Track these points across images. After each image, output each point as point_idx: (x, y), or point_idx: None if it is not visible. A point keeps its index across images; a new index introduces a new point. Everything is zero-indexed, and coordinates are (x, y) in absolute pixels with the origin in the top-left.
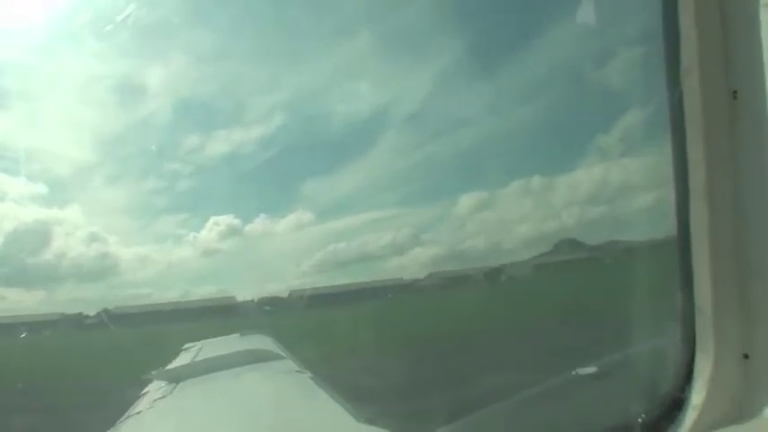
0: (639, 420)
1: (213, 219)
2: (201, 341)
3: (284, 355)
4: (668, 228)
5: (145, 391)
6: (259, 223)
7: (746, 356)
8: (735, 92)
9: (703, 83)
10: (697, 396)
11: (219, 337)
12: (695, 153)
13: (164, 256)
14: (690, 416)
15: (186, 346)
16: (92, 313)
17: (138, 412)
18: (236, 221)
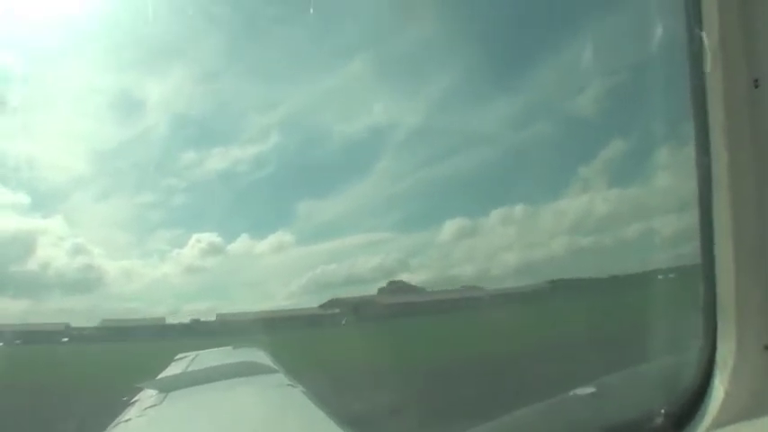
0: (662, 411)
1: (206, 235)
2: (194, 352)
3: (276, 368)
4: None
5: (135, 398)
6: (249, 242)
7: None
8: (756, 80)
9: (725, 72)
10: (719, 388)
11: (212, 349)
12: (717, 143)
13: (152, 271)
14: (712, 407)
15: (178, 356)
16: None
17: (128, 420)
18: (226, 239)
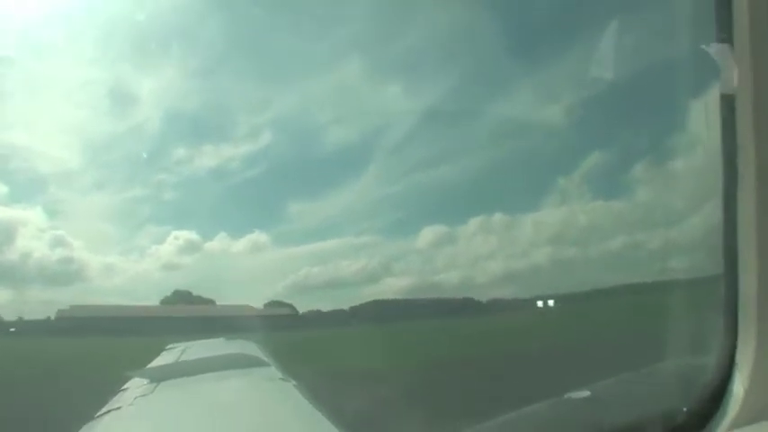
0: (684, 410)
1: (184, 233)
2: (185, 343)
3: (268, 362)
4: None
5: (125, 387)
6: (227, 241)
7: None
8: None
9: (755, 82)
10: (739, 386)
11: (203, 341)
12: (745, 143)
13: (140, 266)
14: (733, 406)
15: (169, 346)
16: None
17: (118, 408)
18: (209, 237)
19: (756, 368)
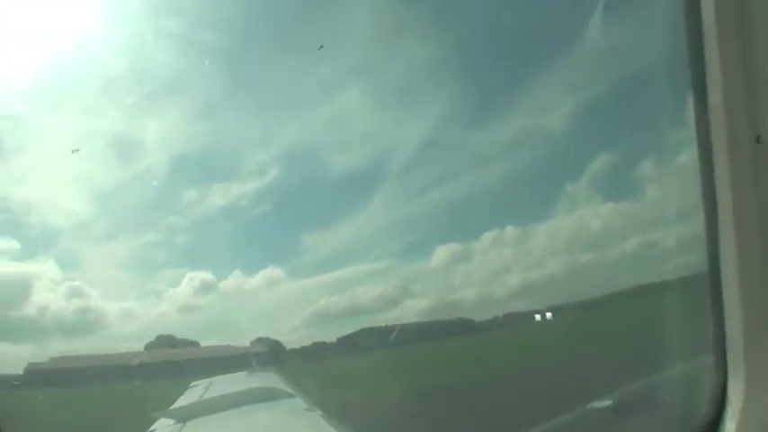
0: None
1: (199, 274)
2: (209, 379)
3: (293, 393)
4: None
5: (152, 428)
6: (245, 278)
7: None
8: (758, 136)
9: (728, 129)
10: (730, 423)
11: (227, 375)
12: (722, 193)
13: (156, 310)
14: None
15: (194, 383)
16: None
17: None
18: (228, 275)
19: (746, 405)
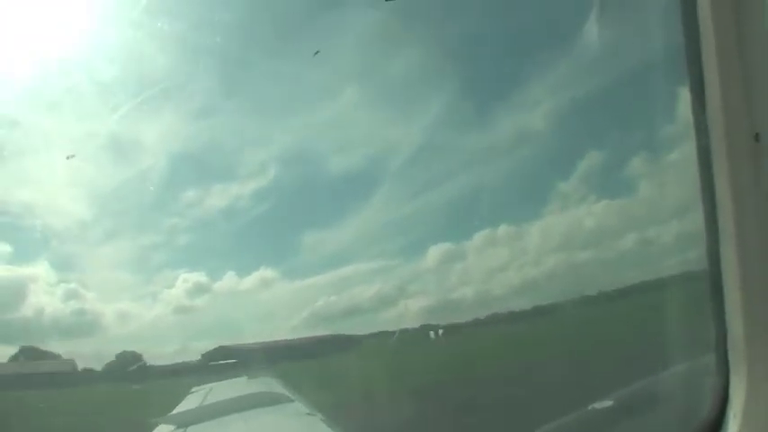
0: None
1: (194, 275)
2: (209, 384)
3: (293, 397)
4: None
5: None
6: (255, 277)
7: None
8: (757, 135)
9: (727, 127)
10: (733, 423)
11: (227, 381)
12: (722, 192)
13: (148, 312)
14: None
15: (194, 389)
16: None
17: None
18: (229, 276)
19: (748, 405)
